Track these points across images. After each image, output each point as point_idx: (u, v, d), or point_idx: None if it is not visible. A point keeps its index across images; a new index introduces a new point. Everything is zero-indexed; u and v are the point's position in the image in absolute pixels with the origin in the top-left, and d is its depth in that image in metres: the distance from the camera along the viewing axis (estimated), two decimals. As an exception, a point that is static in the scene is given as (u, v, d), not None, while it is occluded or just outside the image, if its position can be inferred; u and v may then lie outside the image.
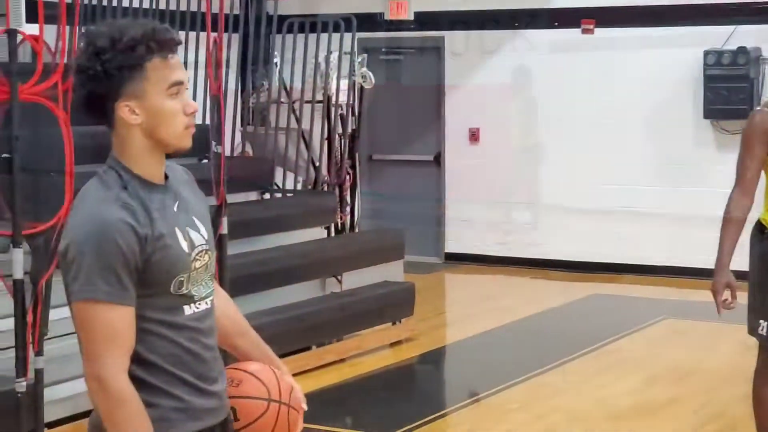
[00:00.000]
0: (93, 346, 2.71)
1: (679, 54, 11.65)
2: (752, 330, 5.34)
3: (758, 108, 5.29)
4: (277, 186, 10.35)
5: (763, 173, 5.27)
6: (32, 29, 5.08)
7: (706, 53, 11.37)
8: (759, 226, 5.27)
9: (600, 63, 12.06)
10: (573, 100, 12.17)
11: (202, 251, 2.89)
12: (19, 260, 4.78)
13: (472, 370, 8.52)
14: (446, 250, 12.99)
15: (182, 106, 2.82)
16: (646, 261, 11.92)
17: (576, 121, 12.17)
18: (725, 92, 11.29)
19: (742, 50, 11.24)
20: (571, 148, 12.21)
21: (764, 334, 5.24)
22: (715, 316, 10.17)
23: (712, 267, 12.15)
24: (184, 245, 2.85)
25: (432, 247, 12.96)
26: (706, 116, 11.49)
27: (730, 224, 5.23)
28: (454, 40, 12.70)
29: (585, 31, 12.10)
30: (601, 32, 12.02)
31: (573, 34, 12.15)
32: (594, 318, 10.30)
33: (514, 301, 10.86)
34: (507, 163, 12.57)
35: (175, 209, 2.87)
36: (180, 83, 2.83)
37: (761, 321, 5.24)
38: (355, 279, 9.11)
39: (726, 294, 5.25)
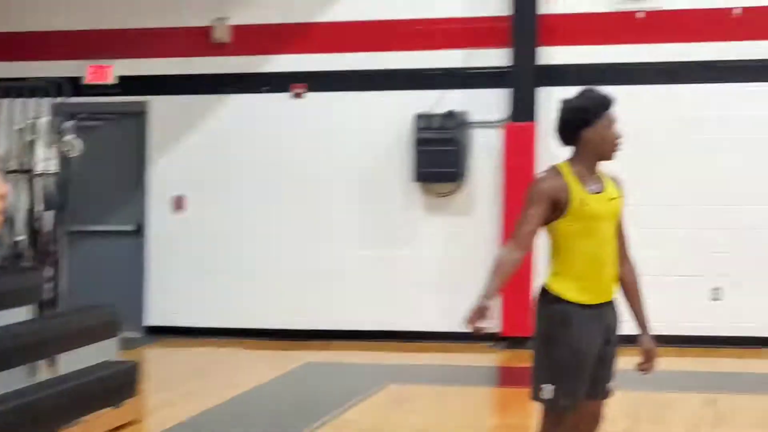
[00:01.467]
0: None
1: (390, 118, 11.80)
2: (536, 394, 5.26)
3: (543, 171, 5.30)
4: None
5: (548, 239, 5.28)
6: None
7: (417, 117, 11.53)
8: (543, 291, 5.27)
9: (312, 127, 11.99)
10: (285, 164, 12.05)
11: None
12: None
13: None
14: (149, 323, 12.46)
15: None
16: (357, 326, 11.88)
17: (287, 184, 12.04)
18: (435, 155, 11.47)
19: (450, 114, 11.46)
20: (283, 212, 12.05)
21: (549, 397, 5.19)
22: (440, 379, 10.30)
23: (425, 329, 12.44)
24: None
25: (133, 320, 12.35)
26: (416, 179, 11.62)
27: (499, 269, 5.13)
28: (159, 105, 12.29)
29: (296, 95, 12.02)
30: (312, 96, 11.98)
31: (283, 97, 12.03)
32: (316, 388, 10.05)
33: (232, 374, 10.49)
34: (214, 230, 12.24)
35: None
36: None
37: (544, 385, 5.19)
38: (68, 361, 8.46)
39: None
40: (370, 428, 8.40)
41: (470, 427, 8.34)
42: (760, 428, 8.14)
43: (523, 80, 11.50)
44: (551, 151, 11.37)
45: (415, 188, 11.77)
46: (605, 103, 5.25)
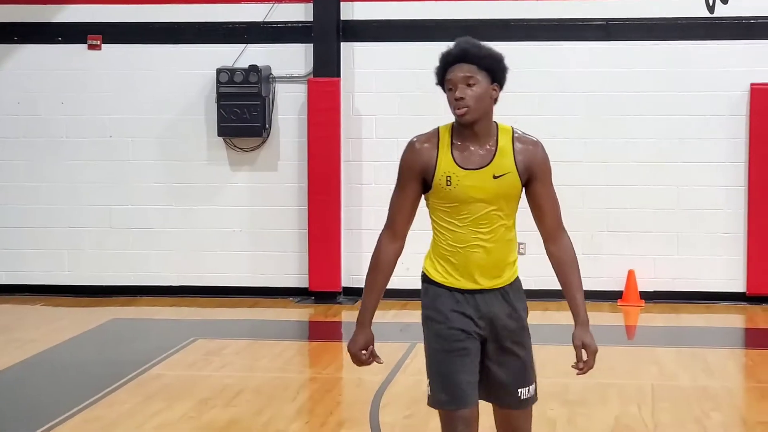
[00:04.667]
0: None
1: (191, 72, 11.60)
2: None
3: (415, 138, 4.51)
4: None
5: (431, 217, 4.58)
6: None
7: (219, 71, 11.38)
8: (423, 276, 4.64)
9: (110, 80, 11.69)
10: (84, 118, 11.73)
11: None
12: None
13: (8, 411, 7.74)
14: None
15: None
16: (163, 282, 11.73)
17: (87, 138, 11.74)
18: (238, 110, 11.35)
19: (253, 69, 11.36)
20: (84, 166, 11.77)
21: (428, 393, 4.60)
22: (249, 334, 10.28)
23: (232, 285, 12.38)
24: None
25: None
26: (219, 134, 11.48)
27: (375, 273, 4.56)
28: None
29: (91, 47, 11.68)
30: (109, 48, 11.66)
31: (79, 49, 11.68)
32: (123, 344, 9.90)
33: (34, 330, 10.20)
34: (9, 186, 11.84)
35: None
36: None
37: (428, 378, 4.61)
38: None
39: (365, 354, 4.57)
40: (178, 382, 8.32)
41: (281, 380, 8.36)
42: (569, 377, 8.43)
43: (326, 35, 11.48)
44: (356, 107, 11.51)
45: (220, 143, 11.63)
46: (446, 58, 4.44)
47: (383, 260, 4.55)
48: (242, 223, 11.66)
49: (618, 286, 11.26)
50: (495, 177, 4.40)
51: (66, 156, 11.77)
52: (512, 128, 4.51)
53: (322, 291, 11.35)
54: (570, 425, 7.14)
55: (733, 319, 10.81)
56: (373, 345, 4.63)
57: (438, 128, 4.49)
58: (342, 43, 11.54)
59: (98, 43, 11.70)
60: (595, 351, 4.51)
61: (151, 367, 8.78)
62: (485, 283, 4.51)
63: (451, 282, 4.52)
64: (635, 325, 10.79)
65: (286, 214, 11.57)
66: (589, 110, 11.25)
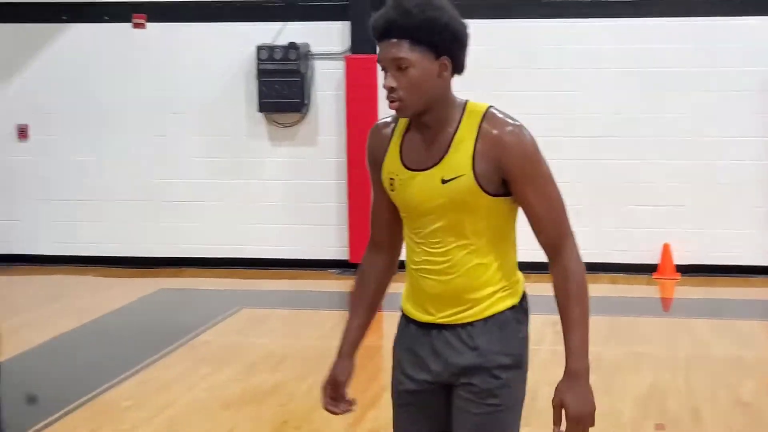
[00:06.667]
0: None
1: (232, 49, 11.83)
2: None
3: (379, 121, 3.59)
4: None
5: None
6: None
7: (259, 48, 11.63)
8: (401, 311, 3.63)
9: (154, 58, 11.95)
10: (129, 95, 12.00)
11: None
12: None
13: (68, 373, 8.09)
14: (-1, 252, 12.32)
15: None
16: (207, 254, 12.00)
17: (132, 115, 12.01)
18: (278, 86, 11.61)
19: (292, 46, 11.60)
20: (129, 141, 12.04)
21: None
22: (292, 304, 10.55)
23: (273, 257, 12.57)
24: None
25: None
26: (260, 110, 11.74)
27: (355, 288, 3.68)
28: (-1, 33, 12.09)
29: (136, 26, 11.95)
30: (153, 27, 11.93)
31: (124, 28, 11.95)
32: (172, 312, 10.23)
33: (85, 300, 10.53)
34: (58, 160, 12.12)
35: None
36: None
37: None
38: None
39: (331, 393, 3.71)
40: (226, 348, 8.63)
41: (323, 348, 8.56)
42: (599, 345, 8.65)
43: (362, 13, 11.67)
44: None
45: (260, 119, 11.89)
46: (372, 32, 3.29)
47: (361, 275, 3.62)
48: (283, 196, 11.91)
49: (653, 259, 11.43)
50: (444, 181, 3.26)
51: (114, 132, 12.02)
52: (486, 108, 3.28)
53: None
54: (604, 392, 7.30)
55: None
56: (344, 383, 3.65)
57: None
58: (380, 21, 11.71)
59: (143, 21, 11.96)
60: (577, 417, 3.25)
61: (199, 333, 9.09)
62: (439, 316, 3.41)
63: (408, 309, 3.52)
64: (671, 297, 10.97)
65: (326, 187, 11.81)
66: (623, 86, 11.39)
